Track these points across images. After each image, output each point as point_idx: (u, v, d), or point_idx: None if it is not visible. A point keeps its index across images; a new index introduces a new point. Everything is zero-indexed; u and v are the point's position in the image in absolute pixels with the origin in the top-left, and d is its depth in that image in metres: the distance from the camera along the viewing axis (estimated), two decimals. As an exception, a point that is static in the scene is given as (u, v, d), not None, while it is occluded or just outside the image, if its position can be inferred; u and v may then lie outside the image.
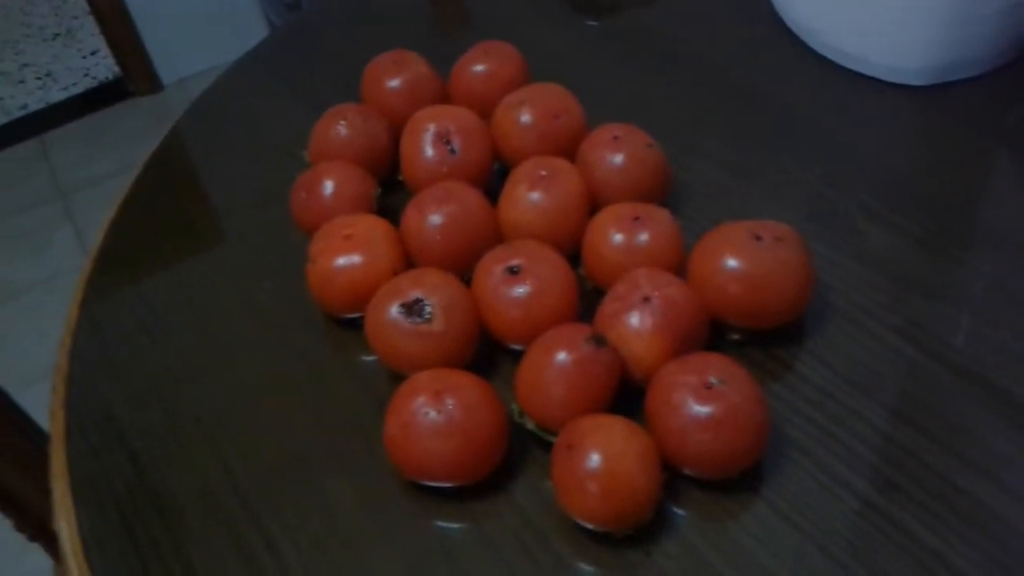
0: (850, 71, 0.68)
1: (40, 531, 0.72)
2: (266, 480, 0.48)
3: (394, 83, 0.62)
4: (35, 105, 2.17)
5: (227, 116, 0.76)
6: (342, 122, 0.60)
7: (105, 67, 2.22)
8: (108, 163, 1.98)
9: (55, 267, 1.76)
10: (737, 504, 0.44)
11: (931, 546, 0.41)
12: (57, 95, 2.19)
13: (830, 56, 0.69)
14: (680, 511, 0.44)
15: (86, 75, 2.23)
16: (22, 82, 2.24)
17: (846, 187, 0.60)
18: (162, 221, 0.66)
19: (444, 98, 0.63)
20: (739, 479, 0.44)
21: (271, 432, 0.51)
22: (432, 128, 0.57)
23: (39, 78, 2.24)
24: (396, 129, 0.60)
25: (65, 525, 0.49)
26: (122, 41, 2.07)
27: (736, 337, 0.50)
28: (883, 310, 0.52)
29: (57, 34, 2.38)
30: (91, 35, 2.29)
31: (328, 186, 0.57)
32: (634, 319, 0.46)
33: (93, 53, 2.28)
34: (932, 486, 0.44)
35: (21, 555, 0.85)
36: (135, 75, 2.13)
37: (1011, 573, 0.40)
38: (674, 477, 0.44)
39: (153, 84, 2.14)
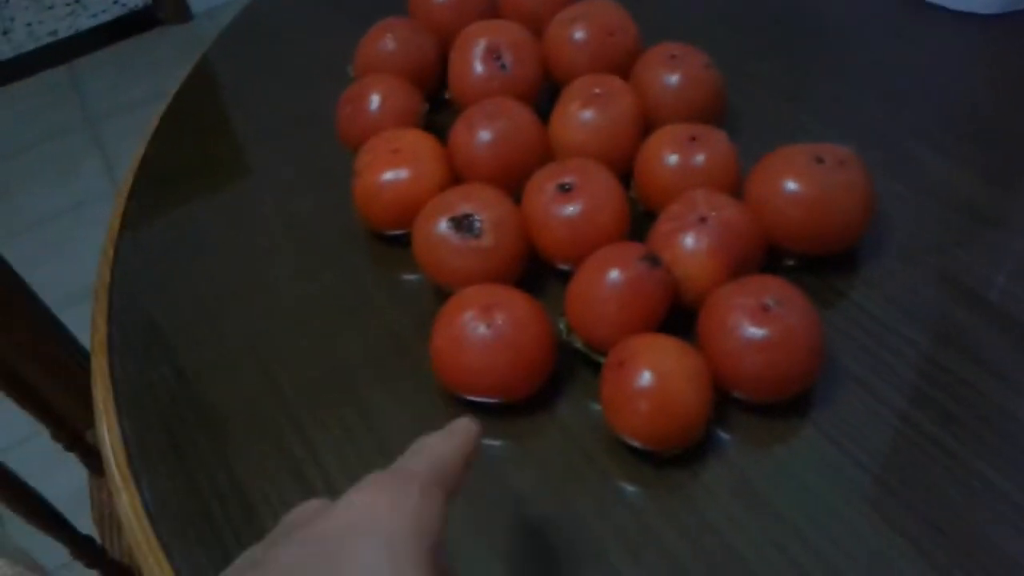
0: (915, -1, 0.66)
1: (76, 441, 0.73)
2: (311, 394, 0.48)
3: (442, -3, 0.61)
4: (64, 32, 2.15)
5: (270, 34, 0.74)
6: (389, 36, 0.59)
7: (134, -6, 2.20)
8: (137, 91, 1.97)
9: (83, 195, 1.77)
10: (787, 429, 0.43)
11: (985, 475, 0.41)
12: (87, 22, 2.16)
13: (893, -17, 0.67)
14: (728, 434, 0.44)
15: (116, 2, 2.20)
16: (51, 8, 2.22)
17: (907, 117, 0.58)
18: (202, 139, 0.65)
19: (494, 13, 0.62)
20: (789, 404, 0.44)
21: (316, 347, 0.50)
22: (483, 43, 0.55)
23: (68, 4, 2.21)
24: (444, 45, 0.59)
25: (107, 433, 0.49)
26: (152, -31, 2.05)
27: (791, 263, 0.49)
28: (941, 241, 0.50)
29: (86, -40, 2.35)
30: (121, -38, 2.26)
31: (374, 100, 0.55)
32: (689, 239, 0.45)
33: (122, -20, 2.25)
34: (988, 417, 0.43)
35: (56, 469, 0.87)
36: (165, 4, 2.10)
37: (1067, 506, 0.39)
38: (723, 400, 0.44)
39: (183, 14, 2.12)
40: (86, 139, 1.90)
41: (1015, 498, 0.40)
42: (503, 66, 0.55)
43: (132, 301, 0.55)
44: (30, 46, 2.13)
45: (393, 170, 0.51)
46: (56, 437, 0.72)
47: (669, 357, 0.42)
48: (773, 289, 0.42)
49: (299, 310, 0.52)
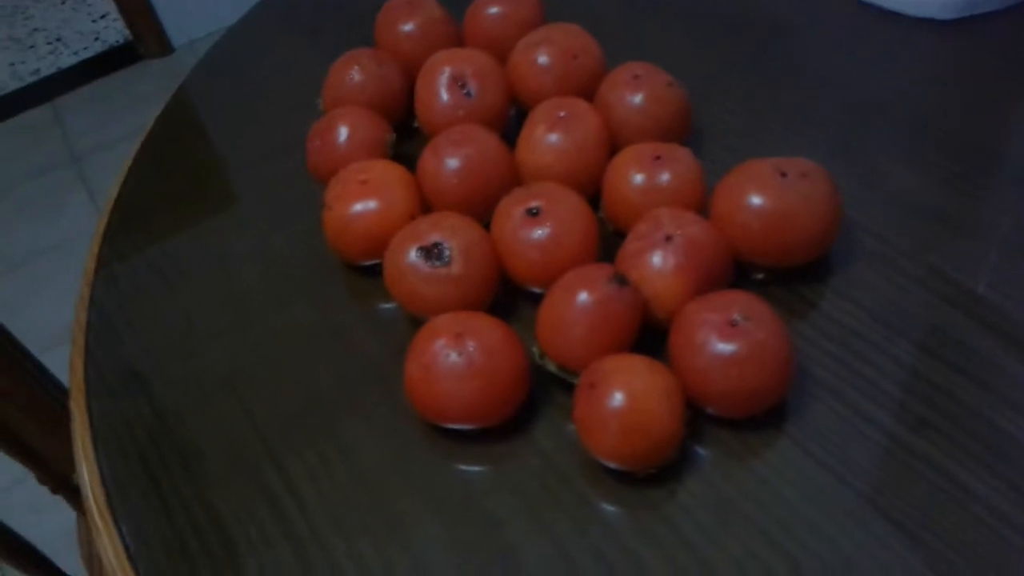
0: (874, 6, 0.67)
1: (62, 483, 0.73)
2: (288, 427, 0.48)
3: (408, 27, 0.61)
4: (47, 70, 2.17)
5: (240, 68, 0.75)
6: (355, 68, 0.59)
7: (115, 31, 2.21)
8: (120, 127, 1.98)
9: (70, 232, 1.77)
10: (761, 443, 0.44)
11: (961, 480, 0.41)
12: (68, 60, 2.18)
13: (854, -7, 0.68)
14: (703, 450, 0.44)
15: (96, 39, 2.22)
16: (33, 47, 2.24)
17: (870, 124, 0.58)
18: (177, 174, 0.66)
19: (459, 41, 0.62)
20: (763, 418, 0.44)
21: (292, 380, 0.50)
22: (448, 71, 0.56)
23: (50, 43, 2.23)
24: (411, 74, 0.60)
25: (87, 474, 0.49)
26: (132, 4, 2.06)
27: (760, 276, 0.49)
28: (909, 247, 0.51)
29: (66, -2, 2.36)
30: (100, -1, 2.28)
31: (342, 132, 0.56)
32: (656, 258, 0.45)
33: (103, 16, 2.27)
34: (962, 422, 0.43)
35: (44, 513, 0.86)
36: (145, 38, 2.12)
37: (1042, 508, 0.40)
38: (697, 416, 0.44)
39: (163, 47, 2.13)
40: (71, 176, 1.90)
41: (992, 502, 0.40)
42: (468, 93, 0.55)
43: (108, 341, 0.55)
44: (13, 86, 2.14)
45: (362, 201, 0.52)
46: (41, 481, 0.72)
47: (640, 376, 0.42)
48: (740, 304, 0.43)
49: (274, 343, 0.53)
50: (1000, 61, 0.62)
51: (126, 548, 0.45)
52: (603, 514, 0.42)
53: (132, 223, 0.62)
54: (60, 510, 0.80)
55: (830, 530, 0.40)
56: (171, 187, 0.65)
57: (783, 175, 0.47)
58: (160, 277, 0.58)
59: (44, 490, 0.73)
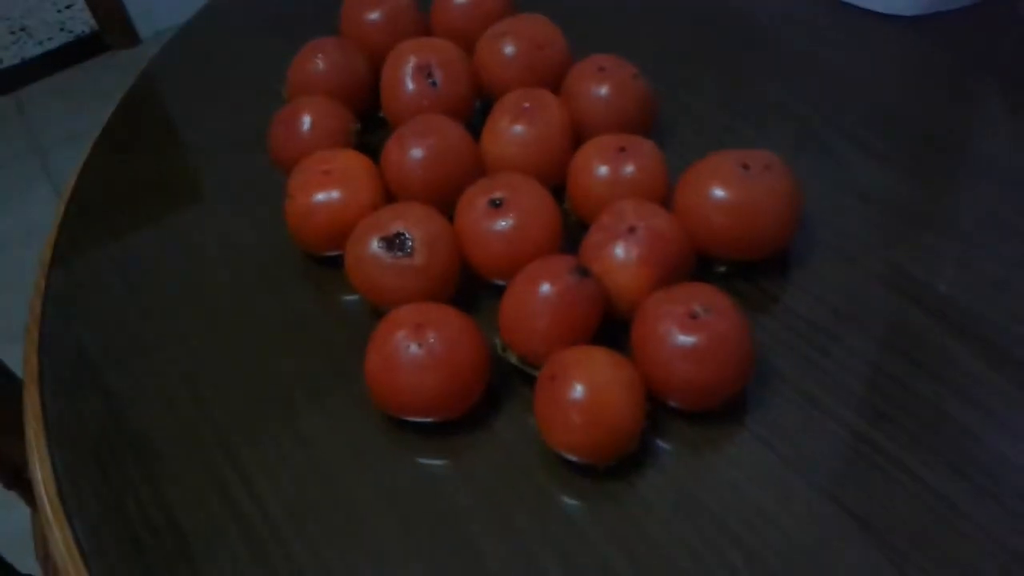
0: (841, 1, 0.67)
1: (16, 479, 0.71)
2: (245, 419, 0.47)
3: (373, 16, 0.61)
4: (10, 61, 2.12)
5: (203, 56, 0.74)
6: (320, 56, 0.58)
7: (81, 21, 2.17)
8: (85, 119, 1.94)
9: (33, 223, 1.74)
10: (721, 435, 0.44)
11: (918, 474, 0.41)
12: (32, 50, 2.14)
13: (820, -10, 0.68)
14: (664, 443, 0.44)
15: (62, 29, 2.17)
16: (-5, 36, 2.19)
17: (836, 118, 0.59)
18: (138, 162, 0.64)
19: (425, 31, 0.62)
20: (724, 410, 0.44)
21: (251, 371, 0.50)
22: (413, 61, 0.55)
23: (13, 32, 2.19)
24: (376, 63, 0.59)
25: (39, 468, 0.48)
26: (98, -7, 2.02)
27: (722, 269, 0.49)
28: (870, 241, 0.51)
29: (31, -13, 2.32)
30: (66, -12, 2.24)
31: (306, 121, 0.55)
32: (619, 250, 0.45)
33: (68, 7, 2.22)
34: (919, 415, 0.43)
35: (3, 514, 0.85)
36: (111, 29, 2.08)
37: (999, 501, 0.40)
38: (658, 408, 0.44)
39: (130, 38, 2.10)
40: (34, 168, 1.87)
41: (951, 497, 0.40)
42: (434, 83, 0.55)
43: (63, 334, 0.54)
44: (-25, 76, 2.10)
45: (325, 191, 0.51)
46: (-6, 475, 0.70)
47: (601, 369, 0.42)
48: (701, 296, 0.43)
49: (234, 335, 0.52)
50: (965, 57, 0.62)
51: (78, 544, 0.44)
52: (563, 507, 0.42)
53: (90, 214, 0.61)
54: (22, 506, 0.78)
55: (788, 522, 0.40)
56: (131, 177, 0.63)
57: (745, 168, 0.47)
58: (117, 268, 0.57)
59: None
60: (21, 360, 0.75)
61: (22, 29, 2.19)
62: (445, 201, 0.51)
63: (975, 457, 0.41)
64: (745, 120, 0.59)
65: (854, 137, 0.57)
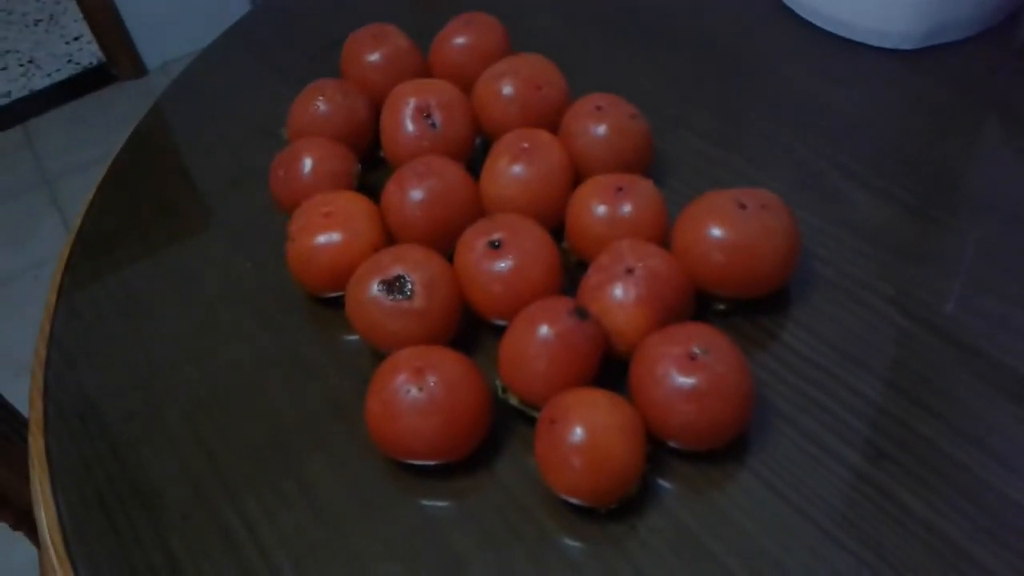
0: (837, 36, 0.67)
1: (23, 520, 0.72)
2: (247, 463, 0.48)
3: (373, 57, 0.61)
4: (18, 92, 2.15)
5: (207, 95, 0.74)
6: (320, 98, 0.59)
7: (88, 52, 2.20)
8: (93, 149, 1.97)
9: (42, 255, 1.75)
10: (723, 475, 0.44)
11: (920, 514, 0.41)
12: (40, 82, 2.17)
13: (817, 22, 0.68)
14: (665, 484, 0.44)
15: (69, 61, 2.20)
16: (4, 69, 2.22)
17: (833, 154, 0.59)
18: (142, 202, 0.65)
19: (425, 72, 0.62)
20: (725, 450, 0.44)
21: (252, 415, 0.50)
22: (412, 102, 0.56)
23: (22, 65, 2.22)
24: (376, 104, 0.59)
25: (44, 513, 0.48)
26: (105, 26, 2.05)
27: (721, 307, 0.49)
28: (870, 278, 0.51)
29: (39, 20, 2.35)
30: (74, 20, 2.27)
31: (307, 163, 0.56)
32: (617, 291, 0.45)
33: (76, 39, 2.26)
34: (921, 454, 0.43)
35: (8, 548, 0.85)
36: (119, 60, 2.11)
37: (1000, 540, 0.40)
38: (659, 449, 0.44)
39: (137, 68, 2.12)
40: (44, 199, 1.88)
41: (950, 536, 0.40)
42: (433, 124, 0.55)
43: (67, 376, 0.54)
44: (-16, 108, 2.12)
45: (326, 233, 0.51)
46: (1, 517, 0.70)
47: (600, 411, 0.42)
48: (700, 337, 0.43)
49: (235, 377, 0.52)
50: (961, 90, 0.63)
51: (82, 589, 0.44)
52: (564, 549, 0.42)
53: (95, 252, 0.62)
54: (24, 541, 0.78)
55: (790, 563, 0.40)
56: (135, 215, 0.64)
57: (742, 207, 0.47)
58: (121, 308, 0.57)
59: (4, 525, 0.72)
60: (26, 395, 0.75)
61: (30, 61, 2.22)
62: (446, 242, 0.51)
63: (977, 496, 0.41)
64: (743, 158, 0.60)
65: (853, 173, 0.57)
